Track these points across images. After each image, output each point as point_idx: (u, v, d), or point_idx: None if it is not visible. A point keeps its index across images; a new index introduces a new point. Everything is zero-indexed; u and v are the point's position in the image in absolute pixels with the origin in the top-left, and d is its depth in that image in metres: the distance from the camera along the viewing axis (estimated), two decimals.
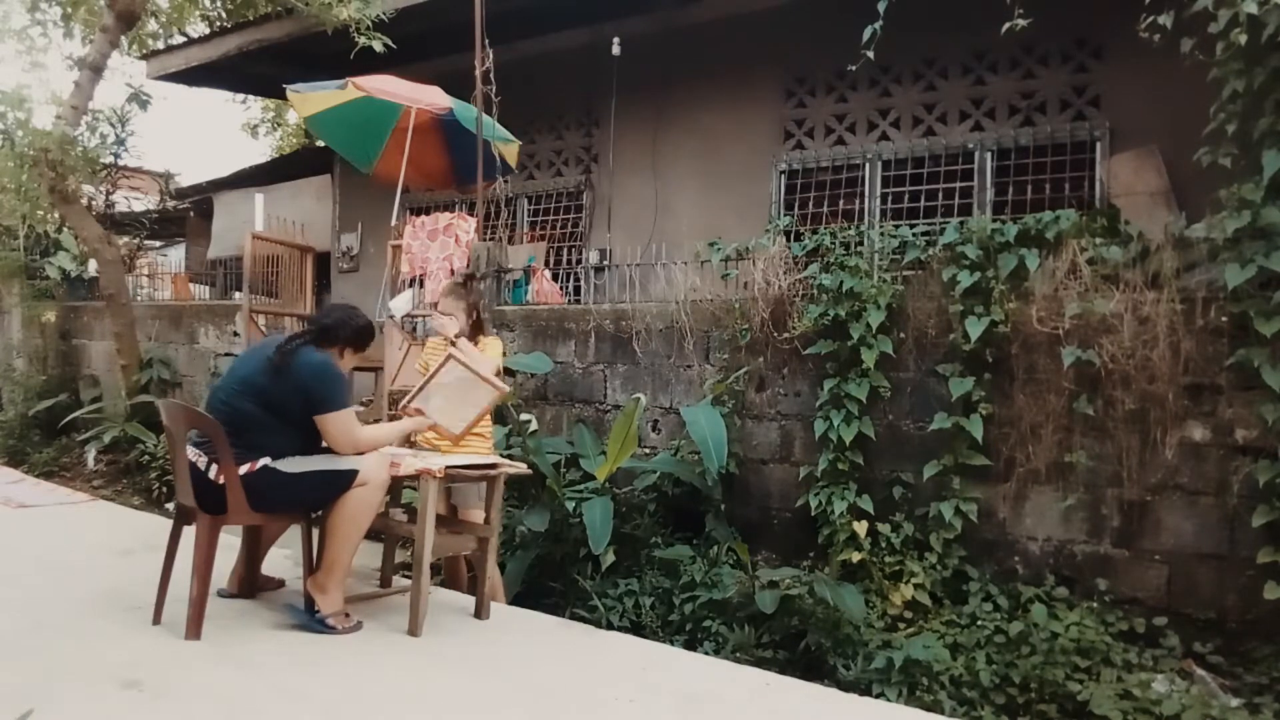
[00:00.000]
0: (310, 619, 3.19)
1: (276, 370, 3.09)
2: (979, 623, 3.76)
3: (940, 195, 5.85)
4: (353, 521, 3.17)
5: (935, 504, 4.13)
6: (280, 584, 3.72)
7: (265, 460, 3.07)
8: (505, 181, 6.66)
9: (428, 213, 6.47)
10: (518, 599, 4.02)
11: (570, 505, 4.35)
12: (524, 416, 4.81)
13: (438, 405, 3.53)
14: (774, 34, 6.51)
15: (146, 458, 6.81)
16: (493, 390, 3.50)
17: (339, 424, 3.15)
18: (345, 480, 3.14)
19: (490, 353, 3.80)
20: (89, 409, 7.93)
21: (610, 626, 3.82)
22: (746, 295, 4.84)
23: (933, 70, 6.04)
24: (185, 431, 3.16)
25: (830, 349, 4.41)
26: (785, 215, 6.06)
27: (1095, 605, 3.71)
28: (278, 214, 8.23)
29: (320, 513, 3.30)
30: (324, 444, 3.22)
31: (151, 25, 12.14)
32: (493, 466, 3.52)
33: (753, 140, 6.68)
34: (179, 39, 11.49)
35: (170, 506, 5.64)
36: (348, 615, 3.25)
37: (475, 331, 3.88)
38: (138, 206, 11.33)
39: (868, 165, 6.20)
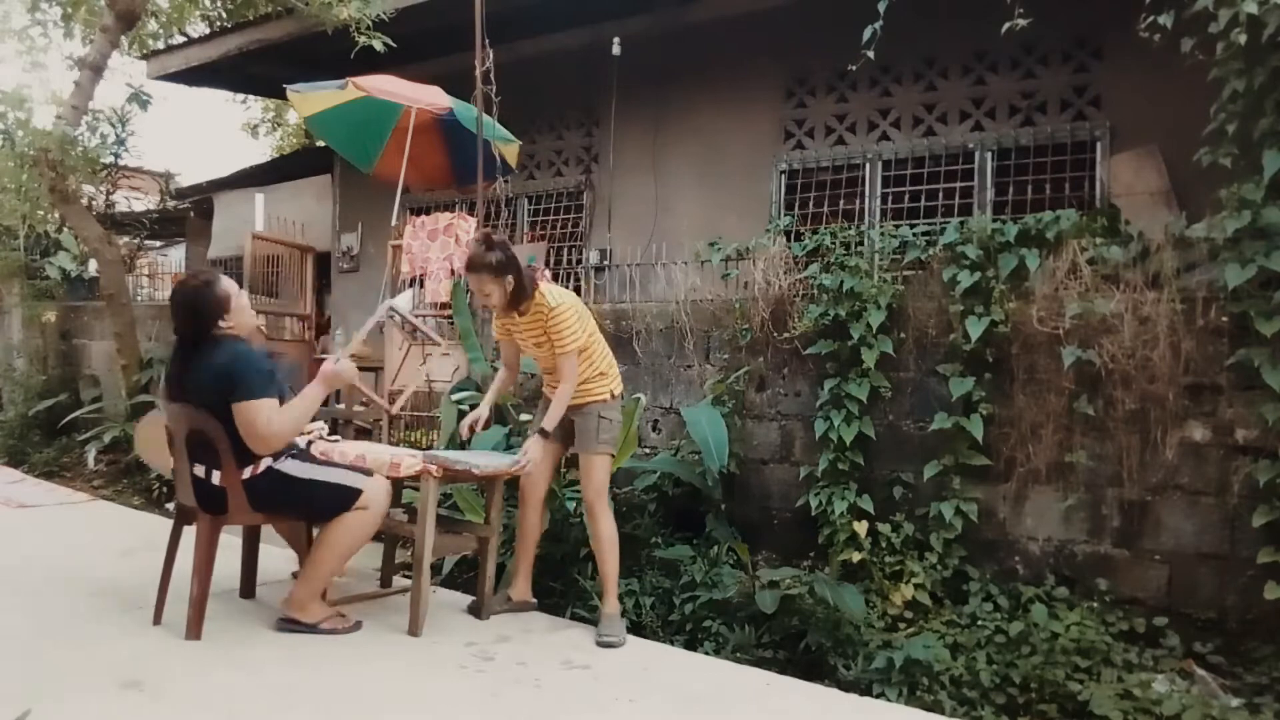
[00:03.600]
0: (300, 627, 3.18)
1: (176, 397, 3.07)
2: (979, 623, 3.75)
3: (940, 195, 5.84)
4: (346, 542, 3.14)
5: (935, 504, 4.13)
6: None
7: (267, 461, 3.07)
8: (505, 181, 6.66)
9: (428, 213, 6.47)
10: None
11: (570, 505, 4.35)
12: (524, 417, 4.81)
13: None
14: (774, 34, 6.51)
15: None
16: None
17: (250, 412, 2.94)
18: (349, 499, 3.10)
19: (563, 331, 3.36)
20: (89, 409, 7.94)
21: None
22: (747, 295, 4.84)
23: (933, 70, 6.03)
24: (186, 432, 3.17)
25: (830, 349, 4.41)
26: (785, 215, 6.05)
27: (1095, 605, 3.71)
28: (278, 214, 8.23)
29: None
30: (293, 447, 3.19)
31: (151, 25, 12.11)
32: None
33: (753, 140, 6.68)
34: (179, 39, 11.47)
35: (170, 506, 5.64)
36: (343, 615, 3.25)
37: (518, 299, 3.39)
38: (138, 206, 11.32)
39: (868, 165, 6.20)
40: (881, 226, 5.03)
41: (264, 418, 2.97)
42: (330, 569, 3.19)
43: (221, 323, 3.07)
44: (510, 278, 3.35)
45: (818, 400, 4.47)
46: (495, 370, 5.33)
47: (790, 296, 4.67)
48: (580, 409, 3.55)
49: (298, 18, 7.01)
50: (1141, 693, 3.22)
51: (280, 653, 2.98)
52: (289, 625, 3.18)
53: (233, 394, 2.95)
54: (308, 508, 3.21)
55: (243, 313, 3.15)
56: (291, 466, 3.09)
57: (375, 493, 3.14)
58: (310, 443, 3.47)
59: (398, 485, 3.80)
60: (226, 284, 3.12)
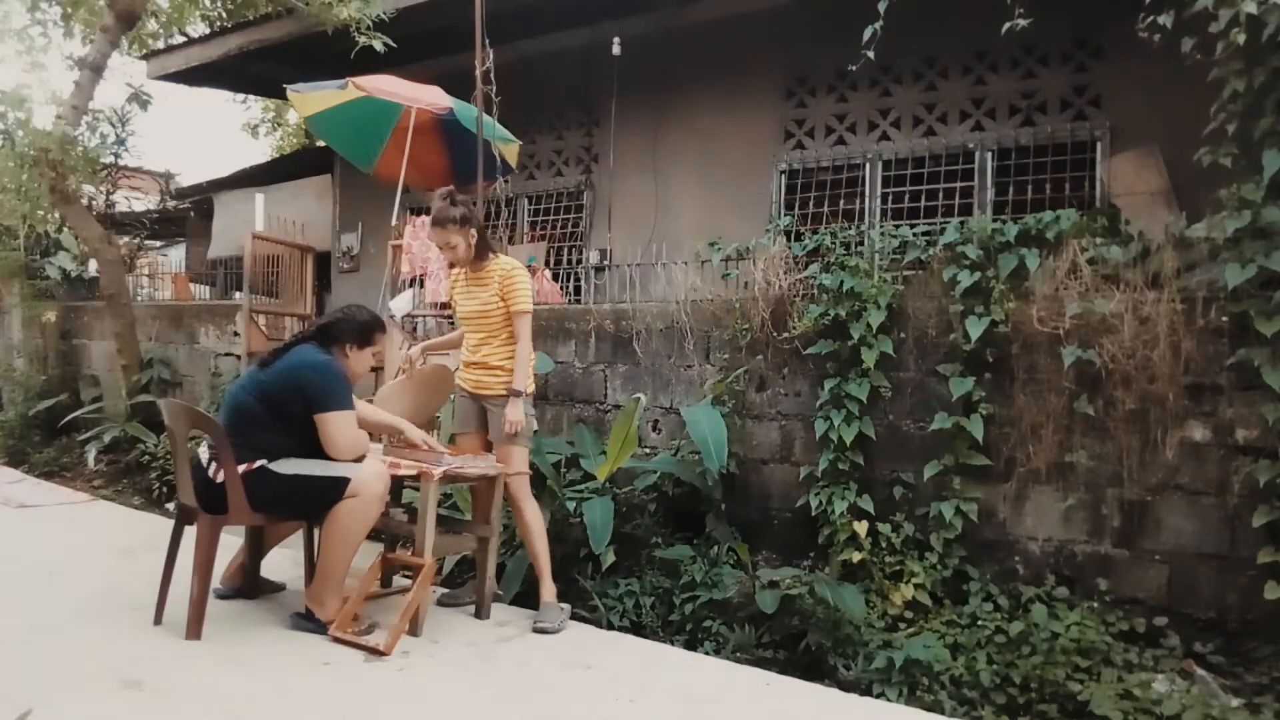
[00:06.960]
0: (310, 623, 3.18)
1: (267, 365, 3.15)
2: (979, 623, 3.75)
3: (940, 195, 5.84)
4: (344, 533, 3.13)
5: (935, 504, 4.13)
6: (280, 588, 3.71)
7: (262, 461, 3.06)
8: (505, 181, 6.66)
9: (428, 212, 6.46)
10: (518, 599, 4.01)
11: (570, 505, 4.35)
12: None
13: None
14: (774, 34, 6.51)
15: (147, 458, 6.80)
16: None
17: (336, 424, 3.11)
18: (337, 489, 3.10)
19: (519, 290, 3.61)
20: (89, 409, 7.93)
21: (611, 626, 3.82)
22: (747, 295, 4.84)
23: (933, 70, 6.04)
24: (187, 431, 3.17)
25: (830, 349, 4.41)
26: (785, 215, 6.05)
27: (1096, 605, 3.71)
28: (278, 214, 8.23)
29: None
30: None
31: (151, 25, 12.13)
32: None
33: (753, 140, 6.68)
34: (179, 39, 11.49)
35: (170, 506, 5.64)
36: (357, 618, 3.24)
37: (482, 256, 3.69)
38: (138, 206, 11.33)
39: (868, 165, 6.20)
40: (881, 226, 5.03)
41: (351, 429, 3.16)
42: (340, 561, 3.18)
43: (348, 349, 3.35)
44: (473, 230, 3.65)
45: (818, 400, 4.47)
46: None
47: (790, 296, 4.67)
48: (496, 399, 3.69)
49: (298, 18, 7.01)
50: (1141, 693, 3.22)
51: (280, 653, 2.98)
52: (302, 622, 3.20)
53: (312, 406, 3.09)
54: (300, 504, 3.20)
55: (361, 363, 3.42)
56: (280, 465, 3.08)
57: (364, 479, 3.12)
58: None
59: (398, 485, 3.81)
60: (383, 342, 3.50)
